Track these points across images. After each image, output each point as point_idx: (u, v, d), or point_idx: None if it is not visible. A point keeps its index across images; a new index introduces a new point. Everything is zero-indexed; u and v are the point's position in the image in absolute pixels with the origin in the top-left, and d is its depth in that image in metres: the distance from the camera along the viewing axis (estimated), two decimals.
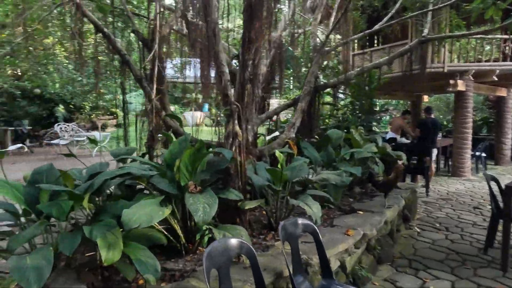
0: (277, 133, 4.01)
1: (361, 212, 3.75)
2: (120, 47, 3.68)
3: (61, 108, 13.75)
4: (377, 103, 11.39)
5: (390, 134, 7.68)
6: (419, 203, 5.76)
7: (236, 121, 3.01)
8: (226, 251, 1.77)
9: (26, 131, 10.50)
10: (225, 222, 2.90)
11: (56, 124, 9.99)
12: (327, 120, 6.58)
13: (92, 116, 15.08)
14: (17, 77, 12.16)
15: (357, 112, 6.35)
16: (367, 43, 9.73)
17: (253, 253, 1.85)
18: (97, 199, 2.55)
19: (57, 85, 13.97)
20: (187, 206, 2.25)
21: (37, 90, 12.87)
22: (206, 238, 2.72)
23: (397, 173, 4.07)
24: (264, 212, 3.71)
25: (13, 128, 9.93)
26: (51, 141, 8.94)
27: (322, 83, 4.98)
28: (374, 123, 6.69)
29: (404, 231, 4.47)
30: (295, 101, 4.90)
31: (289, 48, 8.05)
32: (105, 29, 3.50)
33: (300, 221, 2.31)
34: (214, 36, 2.79)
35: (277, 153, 3.11)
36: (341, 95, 7.04)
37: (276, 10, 5.72)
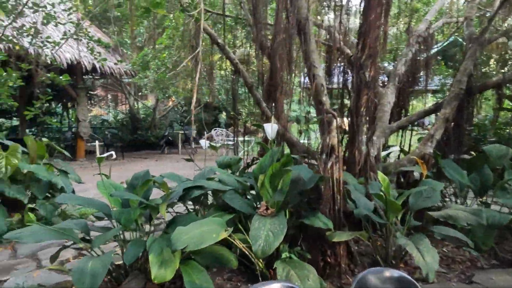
0: (394, 148, 3.22)
1: None
2: (233, 56, 3.71)
3: (223, 115, 15.66)
4: None
5: None
6: None
7: (333, 133, 2.52)
8: None
9: (192, 135, 12.41)
10: (312, 253, 2.46)
11: (213, 129, 11.38)
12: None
13: (247, 122, 16.60)
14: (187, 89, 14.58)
15: None
16: None
17: None
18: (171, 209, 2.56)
19: (222, 94, 16.02)
20: (250, 230, 1.96)
21: (205, 99, 15.07)
22: None
23: None
24: (379, 243, 3.03)
25: (182, 132, 11.94)
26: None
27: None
28: None
29: None
30: (438, 107, 3.87)
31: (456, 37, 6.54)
32: (219, 40, 3.60)
33: (392, 273, 1.67)
34: (302, 33, 2.40)
35: (380, 175, 2.43)
36: None
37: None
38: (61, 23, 4.56)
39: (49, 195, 3.86)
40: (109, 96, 19.75)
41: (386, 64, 6.18)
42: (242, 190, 2.53)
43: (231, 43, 5.56)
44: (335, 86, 3.84)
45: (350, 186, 3.02)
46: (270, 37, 3.42)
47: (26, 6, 4.14)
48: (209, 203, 2.91)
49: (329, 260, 2.46)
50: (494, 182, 3.21)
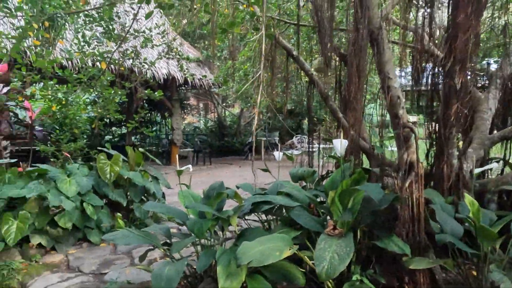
0: (494, 165, 2.76)
1: None
2: (308, 67, 3.69)
3: (306, 121, 15.62)
4: None
5: None
6: None
7: (411, 148, 2.30)
8: None
9: (275, 141, 12.65)
10: (387, 278, 2.29)
11: (295, 136, 11.45)
12: None
13: (331, 128, 16.22)
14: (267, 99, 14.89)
15: None
16: None
17: None
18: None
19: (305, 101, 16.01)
20: (315, 250, 1.92)
21: (288, 106, 15.21)
22: None
23: None
24: (473, 272, 2.66)
25: (265, 139, 12.28)
26: (287, 151, 10.37)
27: None
28: None
29: None
30: None
31: None
32: (294, 53, 3.61)
33: None
34: (375, 43, 2.25)
35: (468, 199, 2.11)
36: None
37: None
38: (156, 45, 5.13)
39: (144, 199, 4.35)
40: (201, 105, 21.40)
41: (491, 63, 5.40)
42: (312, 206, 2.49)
43: (308, 51, 5.53)
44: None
45: (435, 206, 2.73)
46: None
47: (128, 33, 4.76)
48: (283, 214, 2.93)
49: (406, 287, 2.25)
50: None
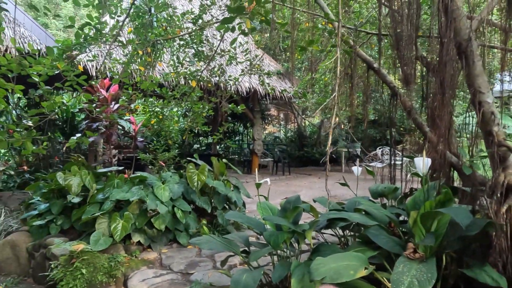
0: None
1: None
2: (390, 79, 3.55)
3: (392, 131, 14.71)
4: None
5: None
6: None
7: (510, 169, 2.06)
8: None
9: (357, 153, 12.19)
10: None
11: (378, 147, 10.87)
12: None
13: (420, 139, 14.98)
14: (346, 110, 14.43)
15: None
16: None
17: None
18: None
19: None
20: (392, 273, 1.86)
21: (372, 117, 14.56)
22: None
23: None
24: None
25: (346, 149, 11.92)
26: (370, 163, 9.87)
27: None
28: None
29: None
30: None
31: None
32: (375, 65, 3.53)
33: None
34: (464, 56, 2.06)
35: None
36: None
37: None
38: (240, 62, 5.48)
39: (226, 206, 4.65)
40: (281, 115, 21.78)
41: None
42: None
43: (393, 60, 5.28)
44: None
45: None
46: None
47: (215, 53, 5.19)
48: (361, 230, 2.87)
49: None
50: None
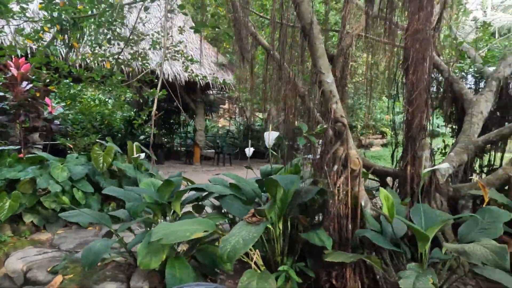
0: (445, 165, 2.59)
1: None
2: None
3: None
4: None
5: None
6: None
7: (347, 144, 2.28)
8: None
9: (298, 146, 12.62)
10: (316, 272, 2.29)
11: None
12: None
13: (361, 135, 15.73)
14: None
15: None
16: None
17: None
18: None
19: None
20: (226, 234, 2.00)
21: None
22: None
23: None
24: None
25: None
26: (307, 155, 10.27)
27: None
28: None
29: None
30: None
31: None
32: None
33: (207, 286, 1.53)
34: (307, 39, 2.26)
35: (382, 193, 2.04)
36: None
37: None
38: (162, 47, 5.46)
39: None
40: (237, 109, 21.85)
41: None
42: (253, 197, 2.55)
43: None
44: None
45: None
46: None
47: (136, 36, 5.13)
48: None
49: (334, 282, 2.23)
50: None
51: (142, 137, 13.95)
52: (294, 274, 2.21)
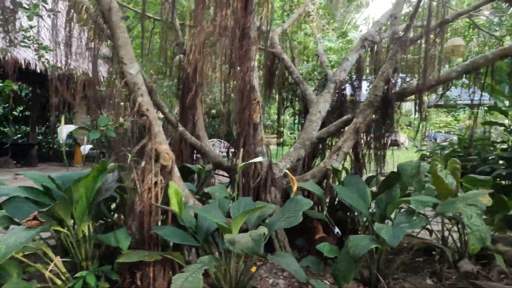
0: (259, 159, 2.79)
1: None
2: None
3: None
4: None
5: None
6: None
7: (157, 138, 2.21)
8: None
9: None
10: (121, 274, 2.17)
11: (210, 140, 11.30)
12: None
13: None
14: None
15: None
16: None
17: None
18: None
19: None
20: None
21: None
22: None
23: None
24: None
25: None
26: None
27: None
28: None
29: None
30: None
31: None
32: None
33: None
34: (108, 26, 2.15)
35: (172, 187, 2.04)
36: None
37: None
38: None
39: None
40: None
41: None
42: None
43: None
44: None
45: (210, 201, 2.71)
46: None
47: None
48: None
49: (138, 283, 2.14)
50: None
51: (16, 136, 12.19)
52: (93, 280, 2.05)
